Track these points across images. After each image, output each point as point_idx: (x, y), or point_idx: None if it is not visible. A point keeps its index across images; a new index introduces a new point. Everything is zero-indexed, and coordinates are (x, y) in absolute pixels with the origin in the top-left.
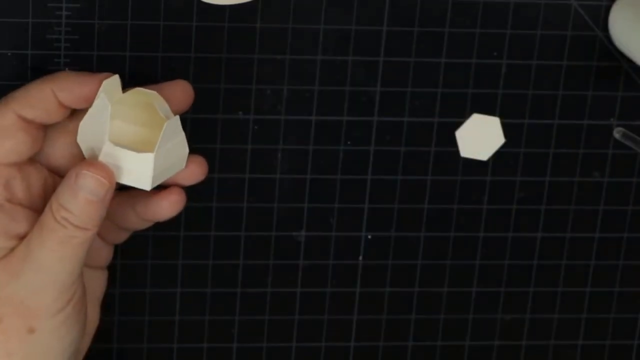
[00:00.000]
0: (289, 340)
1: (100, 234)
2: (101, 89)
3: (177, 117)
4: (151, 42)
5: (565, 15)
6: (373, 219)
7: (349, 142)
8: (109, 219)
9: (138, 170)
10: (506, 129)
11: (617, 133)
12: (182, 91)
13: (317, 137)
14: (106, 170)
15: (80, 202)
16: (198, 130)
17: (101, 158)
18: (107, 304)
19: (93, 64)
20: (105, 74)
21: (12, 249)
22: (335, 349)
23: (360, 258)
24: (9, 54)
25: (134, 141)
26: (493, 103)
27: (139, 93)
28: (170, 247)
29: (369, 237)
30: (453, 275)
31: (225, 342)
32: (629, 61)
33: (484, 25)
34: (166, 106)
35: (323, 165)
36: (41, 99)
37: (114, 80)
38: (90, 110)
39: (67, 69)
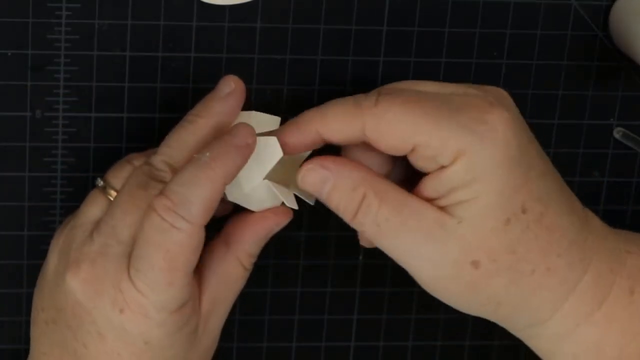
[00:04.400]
0: (289, 340)
1: None
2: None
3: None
4: (151, 42)
5: (565, 15)
6: None
7: None
8: None
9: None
10: None
11: (617, 133)
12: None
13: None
14: (290, 213)
15: (262, 246)
16: None
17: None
18: None
19: (93, 64)
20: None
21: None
22: (335, 349)
23: (360, 258)
24: (9, 54)
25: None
26: None
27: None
28: None
29: None
30: None
31: (225, 342)
32: (629, 61)
33: (484, 25)
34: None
35: None
36: (216, 202)
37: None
38: None
39: None
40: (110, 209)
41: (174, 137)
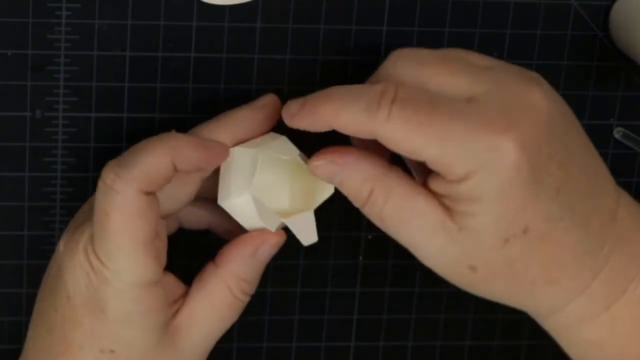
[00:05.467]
0: (289, 340)
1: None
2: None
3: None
4: (151, 42)
5: (565, 15)
6: None
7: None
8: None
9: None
10: None
11: (617, 133)
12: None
13: (318, 136)
14: (280, 235)
15: (259, 272)
16: None
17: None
18: None
19: (93, 64)
20: (218, 143)
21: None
22: (335, 349)
23: (360, 258)
24: (9, 54)
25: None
26: None
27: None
28: (170, 249)
29: (369, 237)
30: None
31: (226, 342)
32: (629, 61)
33: (484, 25)
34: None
35: None
36: (162, 172)
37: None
38: (225, 168)
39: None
40: None
41: (192, 130)
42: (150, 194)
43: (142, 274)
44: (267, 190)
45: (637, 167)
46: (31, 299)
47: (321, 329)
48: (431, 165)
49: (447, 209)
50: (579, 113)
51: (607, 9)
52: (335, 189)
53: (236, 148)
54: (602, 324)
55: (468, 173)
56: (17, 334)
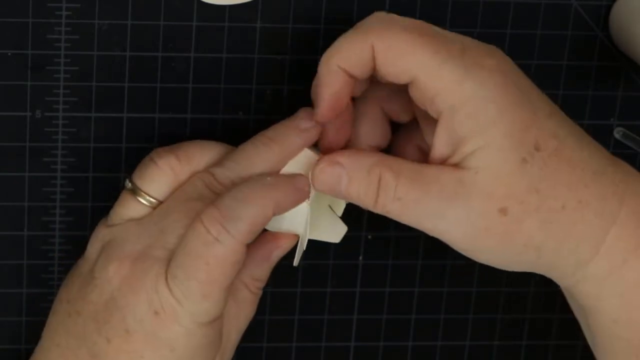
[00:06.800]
0: (289, 340)
1: None
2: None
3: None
4: (151, 42)
5: (565, 15)
6: (373, 218)
7: None
8: None
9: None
10: None
11: (617, 133)
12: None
13: None
14: (292, 239)
15: (270, 270)
16: (198, 130)
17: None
18: None
19: (93, 64)
20: (305, 180)
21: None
22: (335, 349)
23: (360, 258)
24: (9, 54)
25: None
26: None
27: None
28: None
29: (369, 237)
30: (453, 275)
31: None
32: (629, 61)
33: (484, 25)
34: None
35: None
36: (264, 223)
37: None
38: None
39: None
40: (161, 211)
41: (243, 155)
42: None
43: (216, 315)
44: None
45: (637, 167)
46: (31, 299)
47: (321, 329)
48: (420, 86)
49: (457, 165)
50: (579, 113)
51: (607, 9)
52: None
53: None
54: (637, 266)
55: (462, 98)
56: (17, 334)
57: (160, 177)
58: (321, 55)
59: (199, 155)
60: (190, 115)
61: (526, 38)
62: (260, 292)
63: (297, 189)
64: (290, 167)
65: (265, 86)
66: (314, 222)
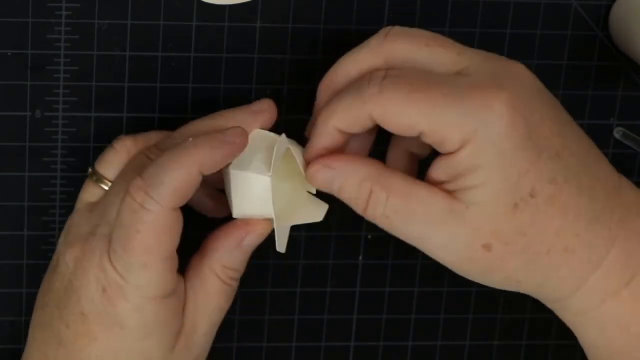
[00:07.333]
0: (289, 340)
1: None
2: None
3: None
4: (151, 42)
5: (565, 15)
6: None
7: None
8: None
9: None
10: None
11: (617, 133)
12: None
13: None
14: (267, 225)
15: (245, 260)
16: None
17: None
18: None
19: (93, 64)
20: (237, 130)
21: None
22: (335, 349)
23: (360, 258)
24: (9, 54)
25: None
26: None
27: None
28: None
29: (369, 237)
30: (453, 275)
31: (226, 342)
32: (629, 61)
33: (484, 25)
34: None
35: None
36: (191, 185)
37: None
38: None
39: None
40: (106, 192)
41: (189, 127)
42: (179, 208)
43: (164, 288)
44: (278, 182)
45: (637, 167)
46: (31, 299)
47: (321, 329)
48: (428, 137)
49: (451, 194)
50: (579, 113)
51: (607, 9)
52: (329, 203)
53: (258, 130)
54: (624, 301)
55: (465, 140)
56: (17, 334)
57: (116, 159)
58: (321, 56)
59: (157, 138)
60: (190, 115)
61: (526, 38)
62: (235, 284)
63: (225, 142)
64: (248, 150)
65: (265, 86)
66: (292, 208)
